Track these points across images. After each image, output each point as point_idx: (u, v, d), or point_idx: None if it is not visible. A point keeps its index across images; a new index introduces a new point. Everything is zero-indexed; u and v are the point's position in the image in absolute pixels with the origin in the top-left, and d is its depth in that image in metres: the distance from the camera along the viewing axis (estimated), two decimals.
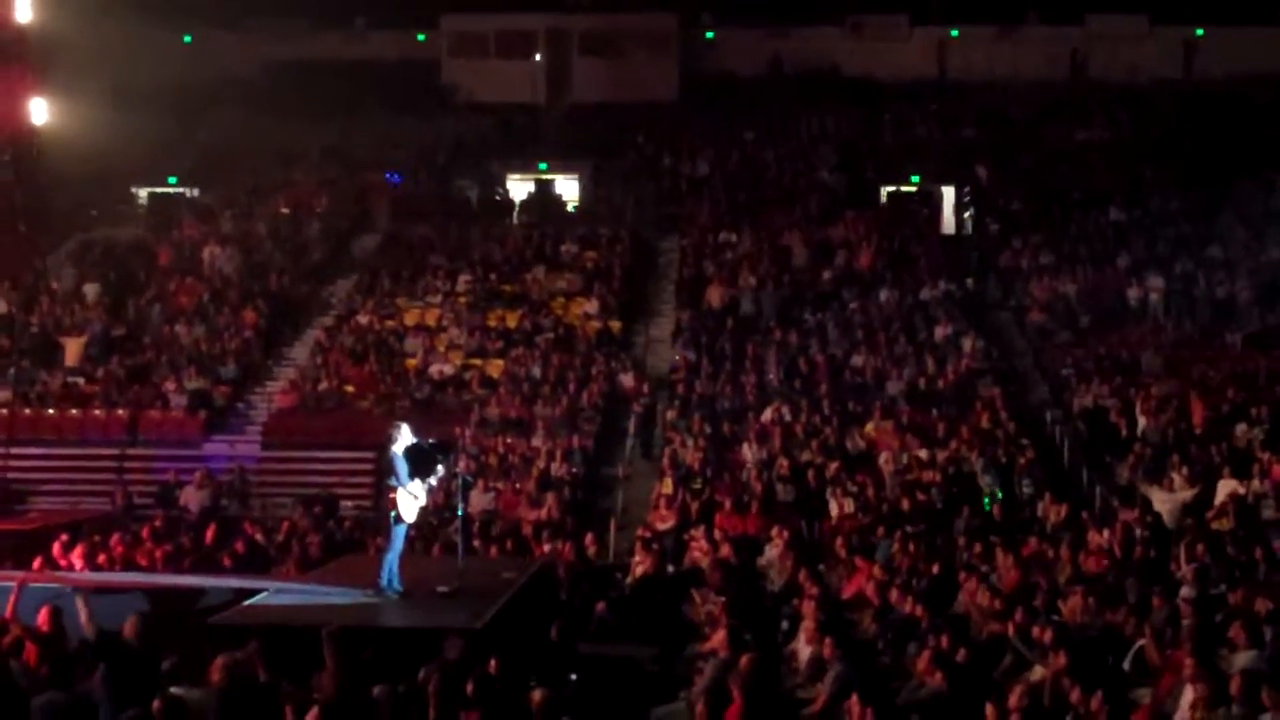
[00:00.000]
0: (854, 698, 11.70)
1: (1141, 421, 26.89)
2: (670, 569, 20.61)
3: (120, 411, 30.11)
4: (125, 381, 31.38)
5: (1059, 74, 47.14)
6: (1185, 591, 16.25)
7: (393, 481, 15.06)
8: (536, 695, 10.67)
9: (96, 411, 30.26)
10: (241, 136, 44.78)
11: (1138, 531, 20.54)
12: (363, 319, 34.15)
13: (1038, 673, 12.86)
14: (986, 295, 35.64)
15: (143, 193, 44.30)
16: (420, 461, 15.09)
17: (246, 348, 33.10)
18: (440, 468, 15.63)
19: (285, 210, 40.69)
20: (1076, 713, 11.47)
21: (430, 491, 15.83)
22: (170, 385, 30.82)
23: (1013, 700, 11.05)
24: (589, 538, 22.18)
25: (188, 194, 43.81)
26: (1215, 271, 34.15)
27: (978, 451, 25.65)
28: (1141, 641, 13.81)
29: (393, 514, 15.13)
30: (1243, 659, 12.74)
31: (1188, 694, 11.70)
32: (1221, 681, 11.63)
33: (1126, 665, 13.66)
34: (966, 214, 41.57)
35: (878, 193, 42.31)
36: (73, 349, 32.99)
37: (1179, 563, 18.32)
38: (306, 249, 38.76)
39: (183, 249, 38.34)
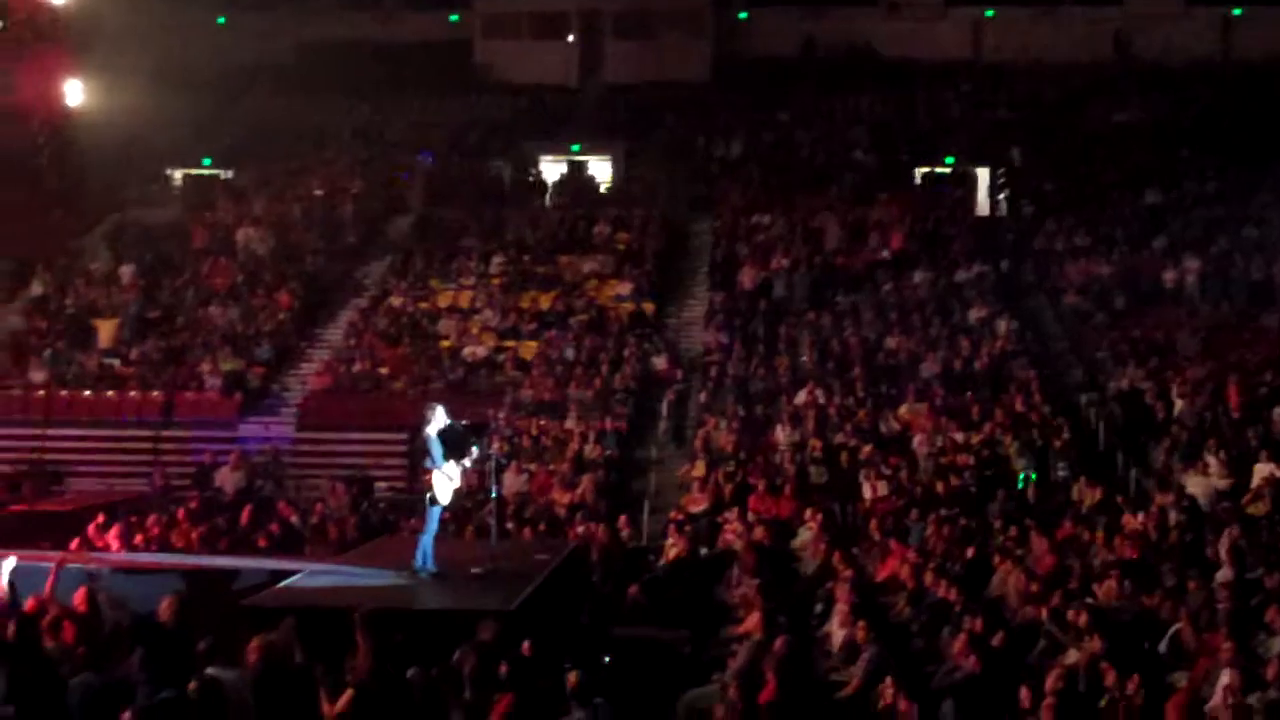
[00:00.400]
0: (888, 681, 11.70)
1: (1178, 404, 26.73)
2: (703, 552, 20.63)
3: (155, 393, 30.24)
4: (160, 363, 31.51)
5: (1095, 55, 46.71)
6: (1221, 575, 16.19)
7: (428, 464, 15.08)
8: (570, 677, 10.71)
9: (132, 393, 30.38)
10: (275, 118, 44.86)
11: (1173, 515, 20.48)
12: (396, 301, 34.20)
13: (1073, 656, 12.84)
14: (1021, 277, 35.45)
15: (177, 174, 44.43)
16: (455, 443, 15.10)
17: (281, 329, 33.20)
18: (475, 449, 15.63)
19: (319, 192, 40.72)
20: (1112, 696, 11.45)
21: (464, 473, 15.81)
22: (205, 367, 30.93)
23: (1048, 683, 11.06)
24: (622, 520, 22.21)
25: (222, 175, 43.89)
26: (1252, 253, 33.86)
27: (1012, 434, 25.55)
28: (1178, 625, 13.80)
29: (428, 495, 15.15)
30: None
31: (1224, 678, 11.68)
32: (1258, 665, 11.61)
33: (1163, 649, 13.65)
34: (1001, 195, 41.33)
35: (912, 174, 42.12)
36: (106, 331, 33.13)
37: (1215, 547, 18.23)
38: (340, 230, 38.80)
39: (217, 230, 38.42)
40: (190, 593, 13.57)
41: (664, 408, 28.80)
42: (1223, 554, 17.52)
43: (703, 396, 29.16)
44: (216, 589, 14.95)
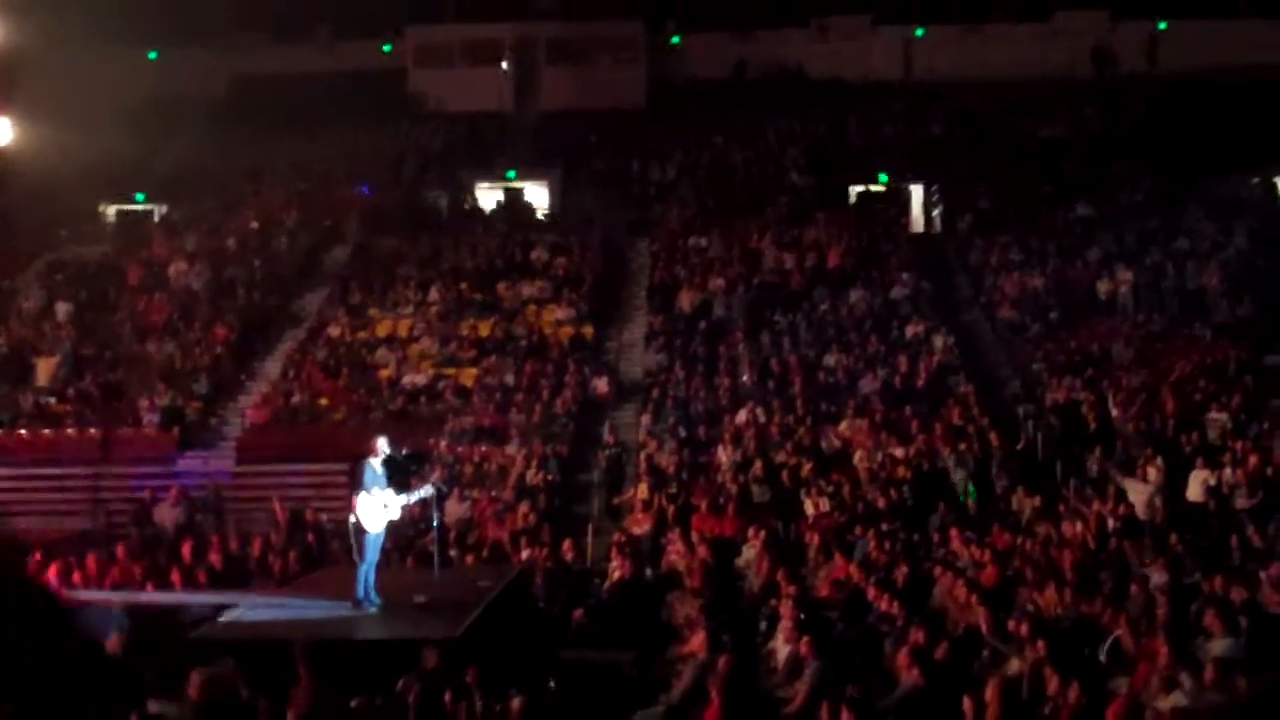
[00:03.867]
0: (830, 700, 11.74)
1: (1114, 414, 27.00)
2: (648, 573, 20.65)
3: (93, 430, 30.01)
4: (97, 400, 31.28)
5: (1024, 71, 47.20)
6: (1155, 580, 16.34)
7: (369, 493, 15.07)
8: (515, 703, 10.71)
9: (69, 430, 30.16)
10: (209, 152, 44.70)
11: (1110, 523, 20.68)
12: (334, 331, 34.09)
13: (1014, 666, 12.92)
14: (957, 292, 35.75)
15: (110, 210, 44.17)
16: (395, 474, 15.11)
17: (218, 363, 33.02)
18: (426, 489, 15.73)
19: (254, 225, 40.57)
20: (1054, 703, 11.53)
21: (406, 505, 15.82)
22: (143, 403, 30.73)
23: (989, 693, 11.09)
24: (566, 544, 22.18)
25: (156, 211, 43.66)
26: (1184, 263, 34.30)
27: (951, 448, 25.74)
28: (1117, 632, 13.89)
29: (352, 521, 15.13)
30: (1218, 647, 12.82)
31: (1154, 684, 11.79)
32: (1197, 669, 11.71)
33: (1103, 656, 13.73)
34: (935, 212, 41.67)
35: (846, 193, 42.41)
36: (44, 368, 32.89)
37: (1152, 553, 18.41)
38: (276, 262, 38.65)
39: (151, 266, 38.20)
40: (134, 629, 13.51)
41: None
42: (1156, 560, 17.69)
43: (645, 419, 29.20)
44: (160, 624, 14.88)
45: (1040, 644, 12.70)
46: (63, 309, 35.39)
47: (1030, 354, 31.37)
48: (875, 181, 42.67)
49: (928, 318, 32.86)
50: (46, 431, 30.20)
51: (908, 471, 24.98)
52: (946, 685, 12.25)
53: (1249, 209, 37.59)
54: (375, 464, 15.12)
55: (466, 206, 43.01)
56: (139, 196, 44.01)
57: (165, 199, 43.79)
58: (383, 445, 15.28)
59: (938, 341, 31.34)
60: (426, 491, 16.75)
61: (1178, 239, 35.75)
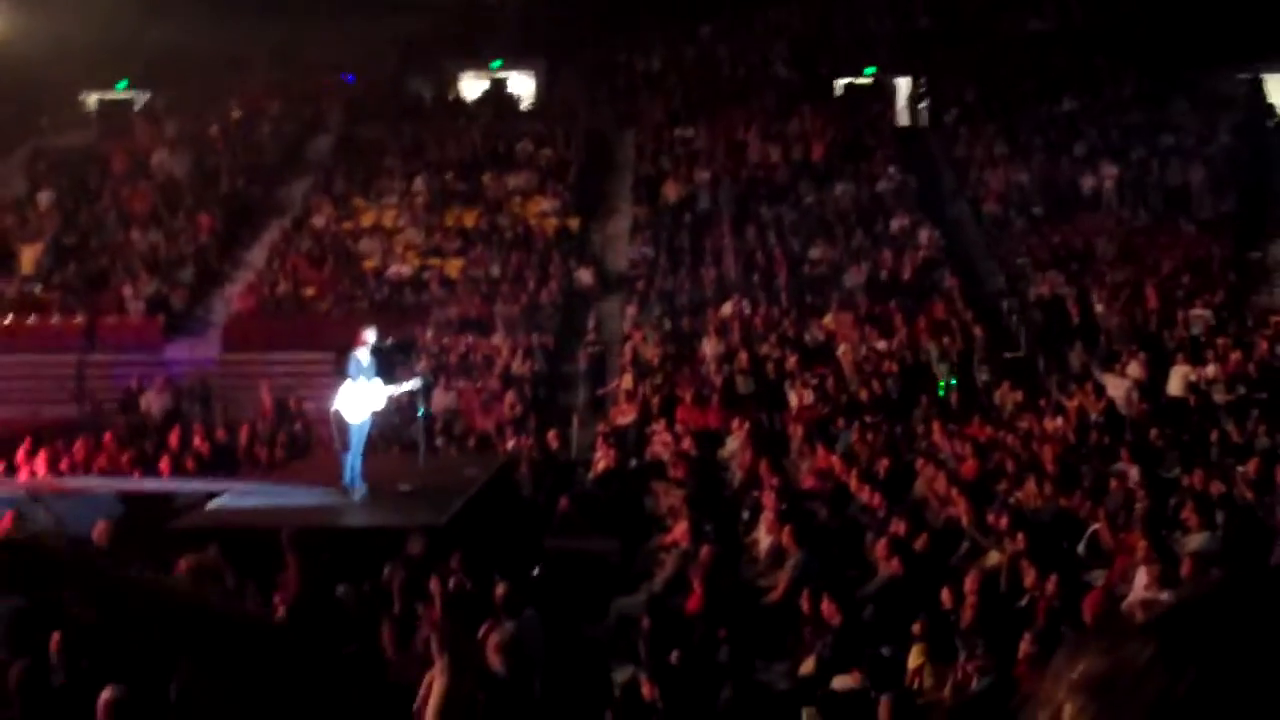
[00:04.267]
0: (810, 589, 11.89)
1: (1097, 309, 27.13)
2: (632, 463, 20.82)
3: (78, 318, 29.98)
4: (82, 288, 31.23)
5: None
6: (1134, 475, 16.49)
7: (356, 382, 15.09)
8: (499, 589, 10.83)
9: (54, 319, 30.12)
10: (191, 40, 44.09)
11: (1092, 417, 20.85)
12: (319, 221, 33.98)
13: (993, 558, 13.08)
14: (942, 186, 35.70)
15: (92, 99, 43.76)
16: (380, 364, 15.16)
17: (202, 252, 32.94)
18: (414, 382, 15.76)
19: (237, 113, 40.28)
20: (1032, 595, 11.69)
21: (393, 396, 15.89)
22: (127, 291, 30.68)
23: (968, 585, 11.23)
24: (551, 434, 22.32)
25: (138, 99, 43.28)
26: (1168, 159, 34.26)
27: (934, 341, 25.86)
28: (1096, 525, 14.05)
29: (333, 410, 15.19)
30: (1195, 541, 12.98)
31: (1141, 576, 11.93)
32: (1173, 563, 11.87)
33: (1081, 549, 13.89)
34: (921, 105, 41.47)
35: (832, 86, 42.16)
36: (28, 256, 32.76)
37: (1133, 447, 18.59)
38: (259, 151, 38.43)
39: (134, 155, 37.96)
40: (123, 516, 13.61)
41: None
42: (1131, 454, 17.87)
43: (630, 310, 29.27)
44: (150, 512, 14.98)
45: (1019, 537, 12.85)
46: (45, 197, 35.20)
47: (1014, 248, 31.42)
48: (861, 74, 42.39)
49: (913, 212, 32.84)
50: (31, 319, 30.14)
51: (892, 364, 25.11)
52: (926, 576, 12.40)
53: (1235, 105, 37.48)
54: (362, 355, 15.14)
55: (451, 97, 42.67)
56: (120, 84, 43.57)
57: (147, 87, 43.35)
58: (369, 336, 15.29)
59: (923, 235, 31.37)
60: (414, 384, 16.81)
61: (1163, 134, 35.67)
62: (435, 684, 3.49)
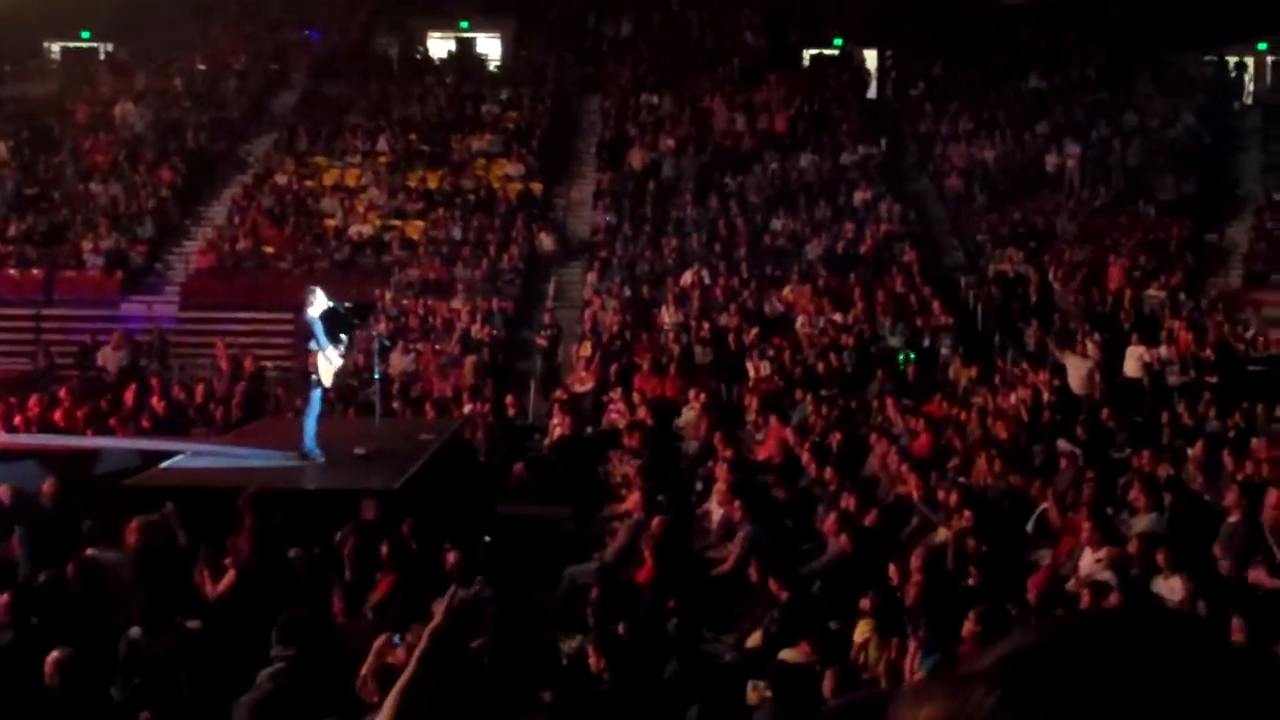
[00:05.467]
0: (756, 562, 11.99)
1: (1054, 287, 27.29)
2: (588, 431, 20.87)
3: (35, 271, 29.78)
4: (40, 241, 31.00)
5: None
6: (1077, 454, 16.64)
7: (312, 345, 15.00)
8: (449, 557, 10.89)
9: (11, 271, 29.89)
10: None
11: (1045, 396, 21.00)
12: (281, 179, 33.80)
13: (942, 535, 13.19)
14: (906, 160, 35.79)
15: (55, 48, 43.36)
16: (335, 325, 15.08)
17: (163, 207, 32.72)
18: (351, 333, 15.61)
19: (201, 66, 39.99)
20: (978, 574, 11.80)
21: (346, 355, 15.82)
22: (86, 244, 30.46)
23: (914, 562, 11.34)
24: (508, 399, 22.35)
25: (102, 49, 42.92)
26: (1131, 139, 34.41)
27: (892, 316, 25.97)
28: (1044, 505, 14.18)
29: (313, 378, 15.13)
30: (1141, 522, 13.10)
31: (1086, 555, 12.07)
32: (1120, 544, 12.00)
33: (1029, 528, 14.02)
34: (888, 78, 41.50)
35: (800, 56, 42.14)
36: None
37: (1085, 427, 18.77)
38: (223, 106, 38.18)
39: (96, 106, 37.66)
40: (72, 474, 13.58)
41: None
42: (1079, 434, 18.04)
43: (590, 276, 29.27)
44: (98, 470, 14.94)
45: (967, 514, 12.97)
46: (2, 147, 34.88)
47: (975, 224, 31.54)
48: (830, 45, 42.39)
49: (875, 185, 32.90)
50: None
51: (849, 338, 25.20)
52: (874, 552, 12.50)
53: (1199, 87, 37.65)
54: (314, 315, 14.95)
55: (417, 56, 42.47)
56: (84, 34, 43.18)
57: (111, 37, 42.99)
58: (320, 297, 15.06)
59: (884, 209, 31.45)
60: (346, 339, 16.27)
61: (1127, 114, 35.82)
62: (409, 668, 3.53)
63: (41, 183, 33.81)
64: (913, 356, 24.76)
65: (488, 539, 12.82)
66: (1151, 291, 26.71)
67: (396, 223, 31.91)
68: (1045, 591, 11.07)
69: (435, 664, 3.47)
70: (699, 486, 17.27)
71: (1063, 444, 17.09)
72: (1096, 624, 1.20)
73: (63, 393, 21.99)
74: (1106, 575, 11.18)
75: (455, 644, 3.48)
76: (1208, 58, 39.22)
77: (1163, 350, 23.56)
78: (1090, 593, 10.65)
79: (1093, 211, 31.63)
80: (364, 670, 8.18)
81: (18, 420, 19.81)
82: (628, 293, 28.08)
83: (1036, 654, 1.14)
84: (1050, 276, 27.69)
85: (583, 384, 23.85)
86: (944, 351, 25.22)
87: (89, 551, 10.49)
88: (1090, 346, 23.73)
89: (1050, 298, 27.19)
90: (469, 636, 3.53)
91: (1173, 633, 1.15)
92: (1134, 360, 23.32)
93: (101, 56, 42.60)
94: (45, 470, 13.17)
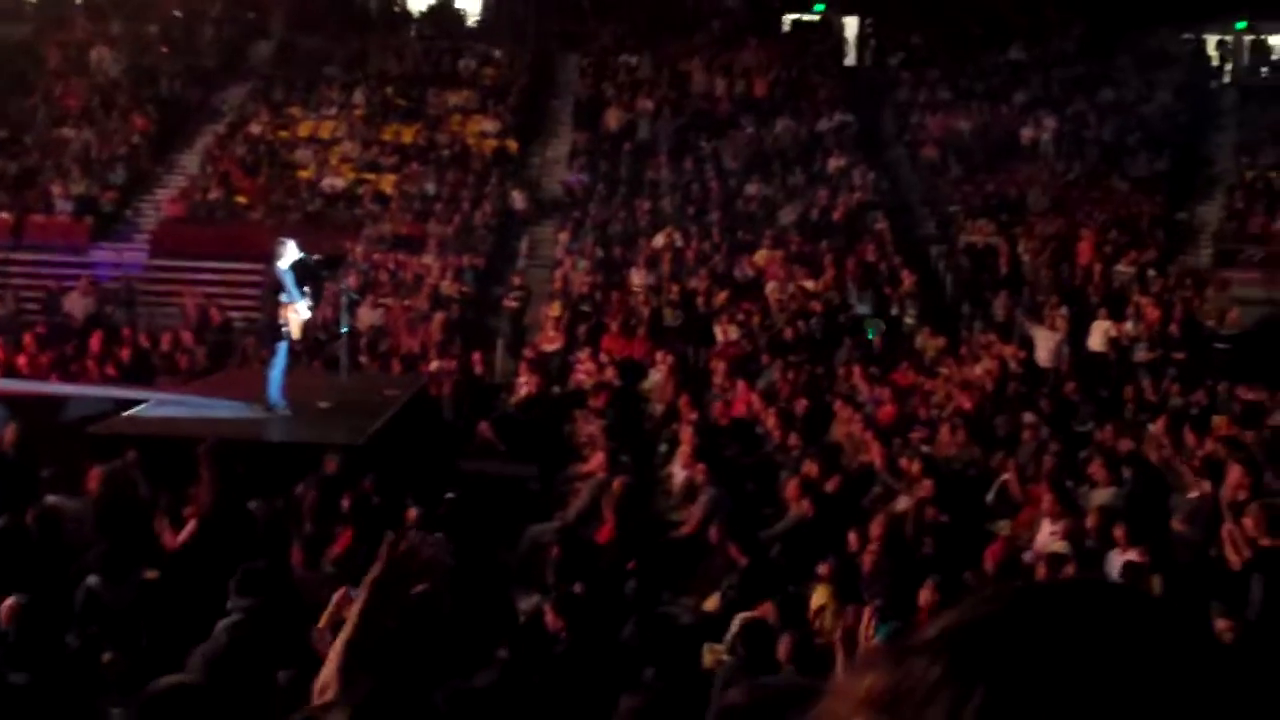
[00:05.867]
0: (715, 526, 12.04)
1: (1024, 260, 27.38)
2: (555, 390, 20.89)
3: (4, 215, 29.57)
4: (10, 184, 30.79)
5: None
6: (1040, 428, 16.72)
7: (284, 298, 14.97)
8: (410, 513, 10.91)
9: None
10: None
11: (1012, 366, 21.10)
12: (255, 129, 33.62)
13: (903, 503, 13.26)
14: (882, 129, 35.79)
15: None
16: (305, 278, 15.04)
17: (135, 154, 32.53)
18: (320, 286, 15.55)
19: (177, 13, 39.69)
20: (935, 543, 11.88)
21: (313, 309, 15.77)
22: (56, 189, 30.26)
23: (873, 529, 11.40)
24: (476, 356, 22.35)
25: None
26: (1107, 114, 34.47)
27: (861, 284, 26.03)
28: (1005, 476, 14.27)
29: (282, 329, 15.09)
30: (1101, 496, 13.19)
31: (1045, 527, 12.16)
32: (1078, 516, 12.09)
33: (990, 498, 14.12)
34: (868, 46, 41.47)
35: (780, 21, 42.06)
36: None
37: (1049, 400, 18.87)
38: (198, 54, 37.93)
39: (71, 50, 37.37)
40: (34, 420, 13.54)
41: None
42: (1042, 406, 18.14)
43: (562, 236, 29.24)
44: (62, 417, 14.92)
45: (928, 483, 13.05)
46: None
47: (948, 195, 31.57)
48: (810, 11, 42.32)
49: (850, 152, 32.91)
50: None
51: (818, 305, 25.26)
52: (835, 518, 12.57)
53: (1177, 64, 37.69)
54: (284, 266, 14.91)
55: (395, 9, 42.24)
56: None
57: None
58: (291, 249, 15.02)
59: (858, 177, 31.47)
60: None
61: (1103, 89, 35.85)
62: (350, 614, 3.56)
63: (12, 126, 33.54)
64: (884, 328, 24.83)
65: (450, 495, 12.82)
66: (1121, 267, 26.79)
67: (370, 176, 31.80)
68: (1002, 562, 11.12)
69: (378, 614, 3.50)
70: (663, 449, 17.33)
71: (1027, 416, 17.17)
72: (1042, 596, 1.19)
73: (28, 338, 21.90)
74: (1062, 547, 11.27)
75: (396, 592, 3.51)
76: (1186, 35, 39.27)
77: (1129, 325, 23.68)
78: (1046, 565, 10.73)
79: (1066, 185, 31.66)
80: (321, 623, 8.20)
81: None
82: (599, 253, 28.06)
83: (980, 625, 1.13)
84: (1020, 249, 27.77)
85: (550, 343, 23.88)
86: (910, 321, 25.31)
87: (49, 499, 10.47)
88: (1059, 320, 23.83)
89: (1020, 270, 27.28)
90: (409, 583, 3.56)
91: (1120, 606, 1.14)
92: (1099, 334, 23.45)
93: (77, 1, 42.19)
94: (7, 415, 13.12)
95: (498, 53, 38.19)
